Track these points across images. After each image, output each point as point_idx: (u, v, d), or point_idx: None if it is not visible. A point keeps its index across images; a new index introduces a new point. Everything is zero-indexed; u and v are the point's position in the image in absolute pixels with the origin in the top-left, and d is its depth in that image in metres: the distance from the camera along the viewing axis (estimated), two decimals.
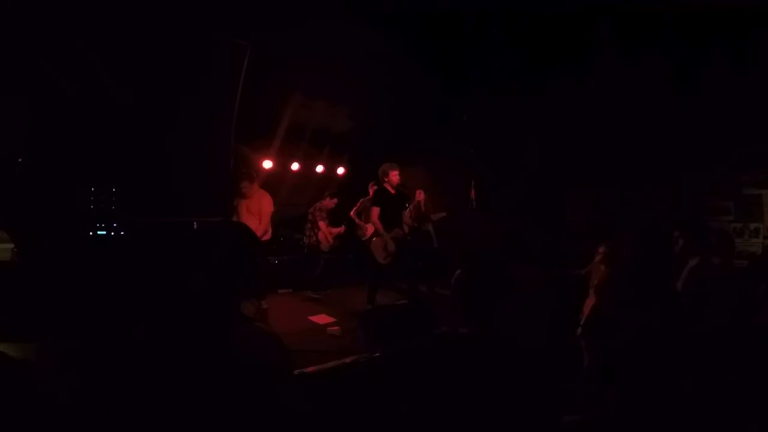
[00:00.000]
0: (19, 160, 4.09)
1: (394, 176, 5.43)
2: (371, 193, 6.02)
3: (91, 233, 4.21)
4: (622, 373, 3.48)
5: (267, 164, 6.89)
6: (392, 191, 5.48)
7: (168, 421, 1.24)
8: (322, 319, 5.43)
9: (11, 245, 4.15)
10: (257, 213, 5.32)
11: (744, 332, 3.60)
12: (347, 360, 3.78)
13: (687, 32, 4.44)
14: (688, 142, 5.32)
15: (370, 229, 5.88)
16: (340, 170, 8.07)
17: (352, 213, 6.77)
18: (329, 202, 6.75)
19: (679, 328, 3.37)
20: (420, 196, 5.92)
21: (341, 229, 6.87)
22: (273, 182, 6.61)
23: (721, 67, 4.72)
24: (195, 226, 4.65)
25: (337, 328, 4.94)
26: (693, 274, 3.38)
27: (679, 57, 4.79)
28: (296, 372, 2.91)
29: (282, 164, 7.31)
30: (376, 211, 5.44)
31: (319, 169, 7.87)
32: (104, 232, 4.27)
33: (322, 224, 6.67)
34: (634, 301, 3.51)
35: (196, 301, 1.36)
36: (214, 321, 1.32)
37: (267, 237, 5.50)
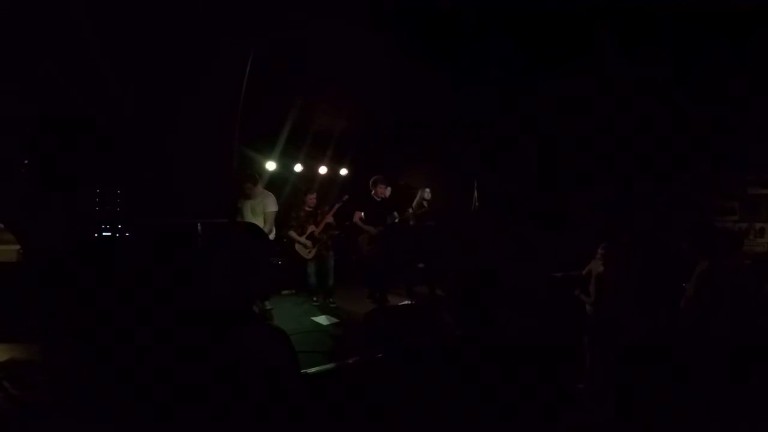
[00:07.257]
0: (25, 161, 4.14)
1: (381, 190, 5.92)
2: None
3: (95, 234, 4.25)
4: (623, 374, 3.47)
5: (270, 165, 6.90)
6: (377, 199, 5.96)
7: (177, 417, 1.25)
8: (324, 319, 5.45)
9: (17, 246, 4.19)
10: (261, 214, 5.37)
11: (750, 333, 3.57)
12: (350, 361, 3.78)
13: (687, 32, 4.42)
14: (692, 142, 5.29)
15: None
16: (343, 171, 8.08)
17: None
18: (310, 200, 6.17)
19: (681, 329, 3.35)
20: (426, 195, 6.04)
21: (314, 229, 6.12)
22: (277, 183, 6.61)
23: (725, 66, 4.70)
24: (199, 228, 4.68)
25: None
26: (703, 277, 3.28)
27: (682, 56, 4.77)
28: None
29: (285, 165, 7.32)
30: (357, 215, 6.02)
31: (323, 170, 7.88)
32: (109, 233, 4.30)
33: (292, 234, 6.14)
34: (635, 301, 3.50)
35: (218, 298, 1.39)
36: (233, 319, 1.35)
37: (270, 237, 5.53)
